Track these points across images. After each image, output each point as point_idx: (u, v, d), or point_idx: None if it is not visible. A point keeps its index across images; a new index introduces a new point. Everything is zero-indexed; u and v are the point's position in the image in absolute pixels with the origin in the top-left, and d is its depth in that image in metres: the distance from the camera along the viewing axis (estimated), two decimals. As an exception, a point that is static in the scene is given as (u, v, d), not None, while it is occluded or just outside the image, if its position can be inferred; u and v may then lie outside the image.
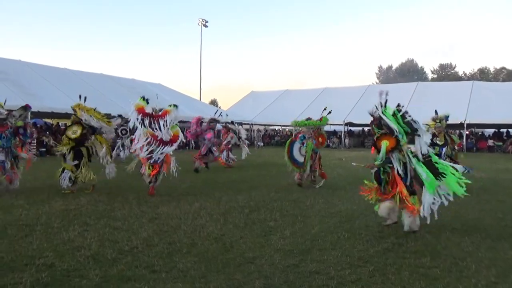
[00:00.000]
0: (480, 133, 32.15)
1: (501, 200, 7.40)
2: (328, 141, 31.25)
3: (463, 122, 25.97)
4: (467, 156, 15.59)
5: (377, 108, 5.23)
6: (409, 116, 5.18)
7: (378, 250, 4.26)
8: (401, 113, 5.16)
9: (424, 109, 28.24)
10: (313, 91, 36.00)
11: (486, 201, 7.29)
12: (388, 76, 71.21)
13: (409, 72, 67.43)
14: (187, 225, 5.14)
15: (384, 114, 5.13)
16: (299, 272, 3.59)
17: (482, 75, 63.19)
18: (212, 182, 9.40)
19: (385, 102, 5.27)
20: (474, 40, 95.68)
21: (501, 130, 29.79)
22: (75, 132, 7.69)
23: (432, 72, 69.70)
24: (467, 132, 28.79)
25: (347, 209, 6.36)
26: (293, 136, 9.60)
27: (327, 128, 37.18)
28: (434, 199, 4.87)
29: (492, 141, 28.17)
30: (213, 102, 62.20)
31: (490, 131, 31.72)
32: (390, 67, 73.68)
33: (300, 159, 8.78)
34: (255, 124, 32.70)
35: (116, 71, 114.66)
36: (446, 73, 67.11)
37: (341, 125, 29.33)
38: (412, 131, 5.08)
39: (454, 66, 68.84)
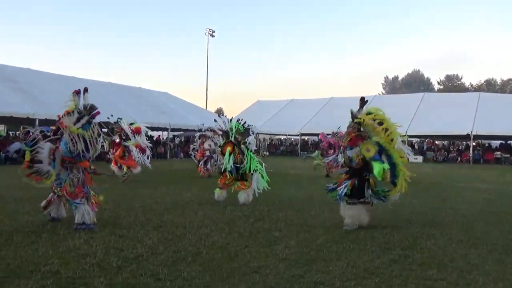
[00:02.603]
0: (487, 145, 31.94)
1: (508, 213, 7.32)
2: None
3: (469, 133, 25.83)
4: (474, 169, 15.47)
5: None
6: None
7: (384, 261, 4.23)
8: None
9: (430, 120, 28.34)
10: (319, 101, 36.06)
11: (493, 213, 7.22)
12: (394, 86, 71.17)
13: (415, 83, 67.38)
14: (192, 234, 5.14)
15: None
16: (304, 282, 3.57)
17: (489, 86, 63.01)
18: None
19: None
20: (481, 52, 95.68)
21: (509, 141, 29.59)
22: None
23: (439, 83, 69.63)
24: (474, 144, 28.62)
25: (352, 220, 6.31)
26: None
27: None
28: None
29: (499, 152, 27.95)
30: (219, 111, 62.38)
31: (497, 142, 31.52)
32: (396, 78, 73.67)
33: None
34: (261, 133, 32.75)
35: (123, 79, 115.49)
36: (452, 84, 66.99)
37: (347, 135, 29.29)
38: None
39: (460, 77, 68.76)
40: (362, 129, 5.76)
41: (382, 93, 66.45)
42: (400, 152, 5.80)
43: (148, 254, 4.25)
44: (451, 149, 31.07)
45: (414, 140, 33.42)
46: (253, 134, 7.88)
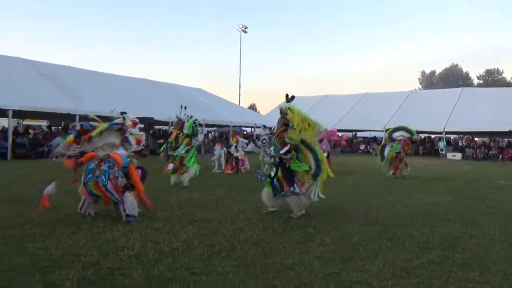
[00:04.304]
0: (530, 141, 30.36)
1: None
2: (368, 147, 30.71)
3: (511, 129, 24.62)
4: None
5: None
6: None
7: (423, 261, 4.08)
8: None
9: (469, 115, 27.21)
10: (353, 96, 35.44)
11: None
12: (431, 81, 68.92)
13: (453, 78, 64.93)
14: (226, 229, 5.16)
15: None
16: (340, 281, 3.50)
17: (532, 80, 59.76)
18: (250, 187, 9.40)
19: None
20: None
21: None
22: None
23: (478, 78, 66.81)
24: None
25: (388, 218, 6.15)
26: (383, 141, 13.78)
27: (366, 134, 36.33)
28: None
29: (543, 149, 26.50)
30: (252, 107, 62.67)
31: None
32: (433, 72, 71.31)
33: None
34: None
35: (159, 76, 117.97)
36: (493, 79, 64.07)
37: (381, 131, 28.59)
38: None
39: (501, 71, 65.63)
40: (289, 123, 6.03)
41: (419, 88, 64.50)
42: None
43: (184, 248, 4.29)
44: (492, 146, 29.71)
45: (452, 136, 32.24)
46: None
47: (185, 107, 9.63)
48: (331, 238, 4.87)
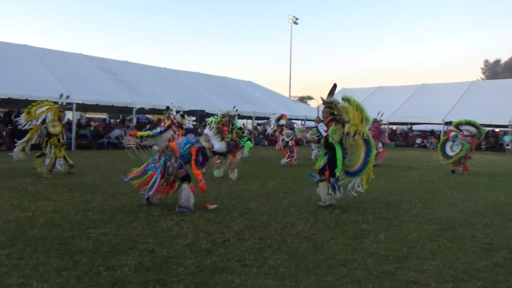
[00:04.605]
0: None
1: None
2: (425, 141, 29.36)
3: None
4: None
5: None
6: None
7: (487, 264, 3.82)
8: None
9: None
10: (409, 88, 33.94)
11: None
12: (495, 71, 64.41)
13: (521, 67, 60.14)
14: (277, 222, 5.15)
15: None
16: (395, 280, 3.36)
17: None
18: (303, 180, 9.34)
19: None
20: None
21: None
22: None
23: (550, 66, 61.34)
24: None
25: (448, 216, 5.84)
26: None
27: (423, 127, 34.62)
28: None
29: None
30: (303, 99, 62.08)
31: None
32: (497, 62, 66.52)
33: (450, 153, 11.91)
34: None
35: (210, 69, 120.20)
36: None
37: (440, 124, 27.18)
38: None
39: None
40: (335, 112, 6.11)
41: (482, 78, 60.51)
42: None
43: (235, 239, 4.34)
44: None
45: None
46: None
47: (236, 110, 9.77)
48: (386, 235, 4.70)
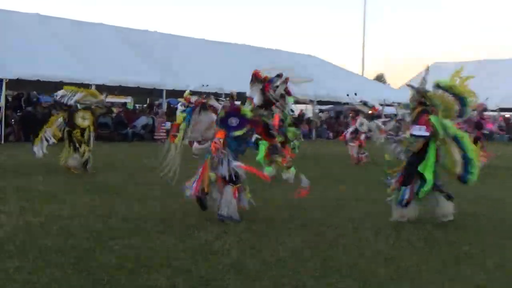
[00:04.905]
0: None
1: None
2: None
3: None
4: None
5: None
6: None
7: None
8: None
9: None
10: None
11: None
12: None
13: None
14: (347, 238, 5.11)
15: None
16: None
17: None
18: (380, 184, 9.14)
19: None
20: None
21: None
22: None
23: None
24: None
25: None
26: None
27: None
28: None
29: None
30: (380, 78, 60.86)
31: None
32: None
33: None
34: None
35: (259, 41, 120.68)
36: None
37: None
38: None
39: None
40: (427, 102, 5.93)
41: None
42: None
43: (292, 259, 4.35)
44: None
45: None
46: None
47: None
48: (497, 260, 4.51)
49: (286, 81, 5.91)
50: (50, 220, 5.51)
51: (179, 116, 6.12)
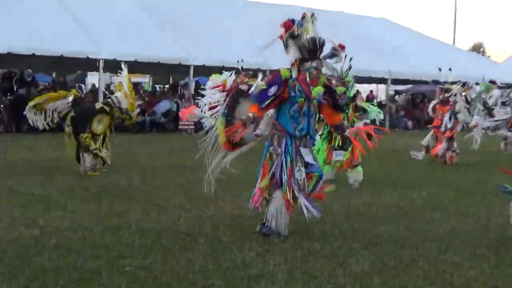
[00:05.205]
0: None
1: None
2: None
3: None
4: None
5: None
6: None
7: None
8: None
9: None
10: None
11: None
12: None
13: None
14: (429, 261, 4.99)
15: None
16: None
17: None
18: (474, 190, 8.95)
19: None
20: None
21: None
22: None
23: None
24: None
25: None
26: None
27: None
28: None
29: None
30: (478, 47, 59.56)
31: None
32: None
33: None
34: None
35: (315, 2, 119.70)
36: None
37: None
38: None
39: None
40: None
41: None
42: None
43: (356, 286, 4.29)
44: None
45: None
46: None
47: None
48: None
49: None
50: (47, 232, 5.59)
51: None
